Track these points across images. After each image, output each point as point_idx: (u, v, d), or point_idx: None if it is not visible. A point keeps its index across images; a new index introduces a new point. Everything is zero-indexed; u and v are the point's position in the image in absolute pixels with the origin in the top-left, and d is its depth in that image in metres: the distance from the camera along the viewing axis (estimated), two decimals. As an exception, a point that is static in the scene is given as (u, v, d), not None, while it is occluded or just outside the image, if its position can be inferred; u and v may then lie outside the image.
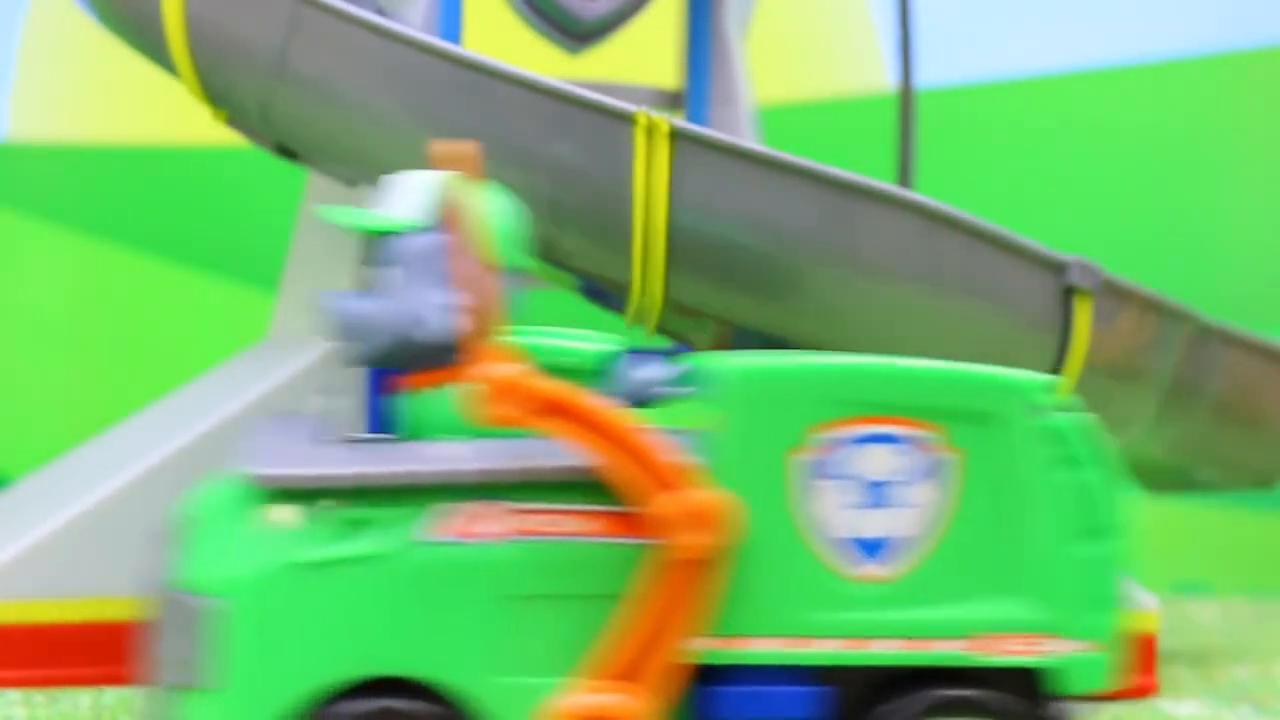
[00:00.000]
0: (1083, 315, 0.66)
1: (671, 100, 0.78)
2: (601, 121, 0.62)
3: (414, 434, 0.52)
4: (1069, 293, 0.66)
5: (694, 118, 0.77)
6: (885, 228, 0.63)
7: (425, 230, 0.51)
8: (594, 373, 0.56)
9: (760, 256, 0.62)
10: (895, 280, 0.63)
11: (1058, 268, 0.66)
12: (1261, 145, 1.17)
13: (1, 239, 1.08)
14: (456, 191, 0.52)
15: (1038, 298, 0.65)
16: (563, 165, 0.62)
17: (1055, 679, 0.49)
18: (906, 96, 0.85)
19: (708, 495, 0.47)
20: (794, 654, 0.49)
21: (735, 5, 0.80)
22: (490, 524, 0.48)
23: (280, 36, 0.64)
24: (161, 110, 1.02)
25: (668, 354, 0.59)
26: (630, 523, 0.48)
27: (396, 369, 0.52)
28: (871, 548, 0.49)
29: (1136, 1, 1.18)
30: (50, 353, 1.08)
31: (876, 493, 0.49)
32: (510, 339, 0.51)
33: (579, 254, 0.63)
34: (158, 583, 0.49)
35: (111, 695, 0.67)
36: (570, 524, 0.48)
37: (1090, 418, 0.50)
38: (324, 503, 0.48)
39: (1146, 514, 1.08)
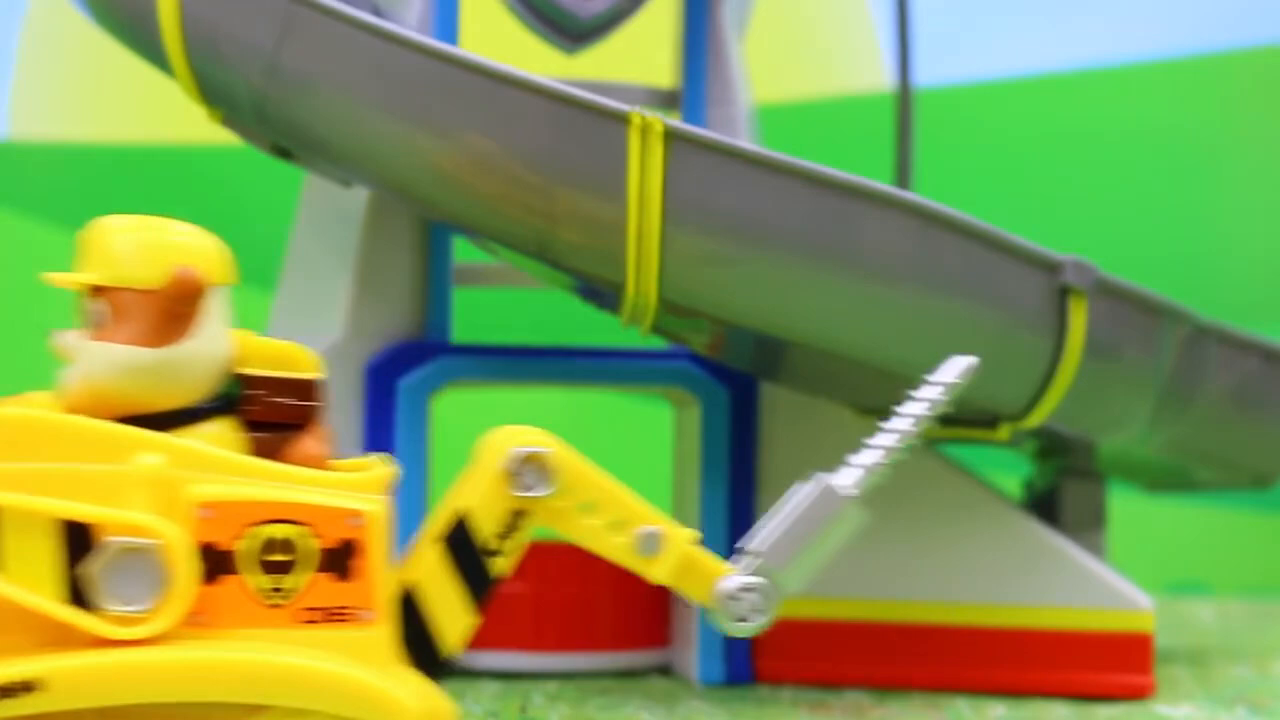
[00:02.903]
0: (1078, 314, 0.66)
1: (668, 100, 0.78)
2: (596, 121, 0.62)
3: None
4: (1064, 292, 0.66)
5: (690, 117, 0.77)
6: (881, 228, 0.63)
7: None
8: None
9: (755, 257, 0.62)
10: (891, 280, 0.63)
11: (1052, 267, 0.66)
12: (1261, 145, 1.17)
13: (1, 239, 1.08)
14: None
15: (1033, 297, 0.65)
16: (558, 164, 0.62)
17: None
18: (904, 96, 0.85)
19: None
20: None
21: (732, 5, 0.79)
22: None
23: (274, 36, 0.64)
24: (161, 110, 1.02)
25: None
26: None
27: None
28: None
29: (1138, 1, 1.18)
30: (49, 352, 1.08)
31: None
32: None
33: (574, 254, 0.63)
34: None
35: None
36: None
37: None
38: None
39: (1144, 514, 1.08)
